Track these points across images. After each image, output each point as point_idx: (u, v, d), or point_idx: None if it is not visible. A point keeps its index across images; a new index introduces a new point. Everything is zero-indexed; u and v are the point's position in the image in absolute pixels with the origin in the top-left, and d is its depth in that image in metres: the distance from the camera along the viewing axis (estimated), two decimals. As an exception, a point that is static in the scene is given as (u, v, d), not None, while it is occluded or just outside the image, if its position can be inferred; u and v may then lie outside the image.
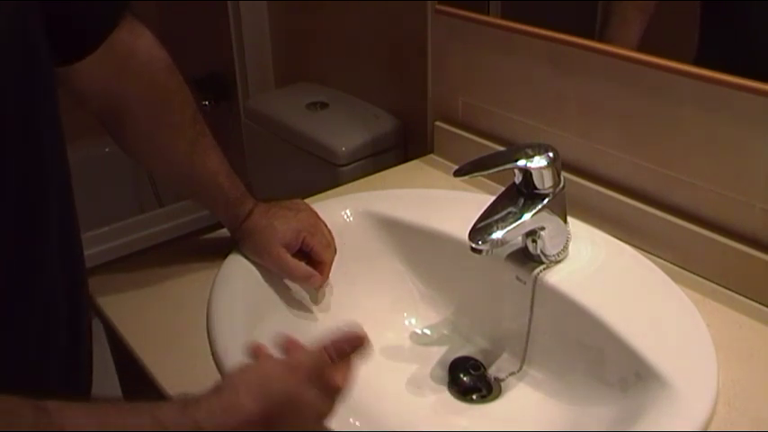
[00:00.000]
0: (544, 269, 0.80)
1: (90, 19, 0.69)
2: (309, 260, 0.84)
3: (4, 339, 0.60)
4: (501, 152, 0.79)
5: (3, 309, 0.59)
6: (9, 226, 0.57)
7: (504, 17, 0.98)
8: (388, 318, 0.90)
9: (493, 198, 0.77)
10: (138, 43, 0.74)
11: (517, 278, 0.82)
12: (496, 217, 0.74)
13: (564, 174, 0.78)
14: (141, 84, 0.75)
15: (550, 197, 0.76)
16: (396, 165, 1.14)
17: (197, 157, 0.80)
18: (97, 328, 0.81)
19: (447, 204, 0.96)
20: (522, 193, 0.76)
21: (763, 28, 0.77)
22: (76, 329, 0.69)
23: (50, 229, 0.63)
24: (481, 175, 0.78)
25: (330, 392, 0.58)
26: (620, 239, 0.88)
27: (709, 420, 0.65)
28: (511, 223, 0.73)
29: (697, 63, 0.78)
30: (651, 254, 0.87)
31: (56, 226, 0.63)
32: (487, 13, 1.00)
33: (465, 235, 0.73)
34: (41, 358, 0.65)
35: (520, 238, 0.80)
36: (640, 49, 0.83)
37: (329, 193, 1.04)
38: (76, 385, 0.72)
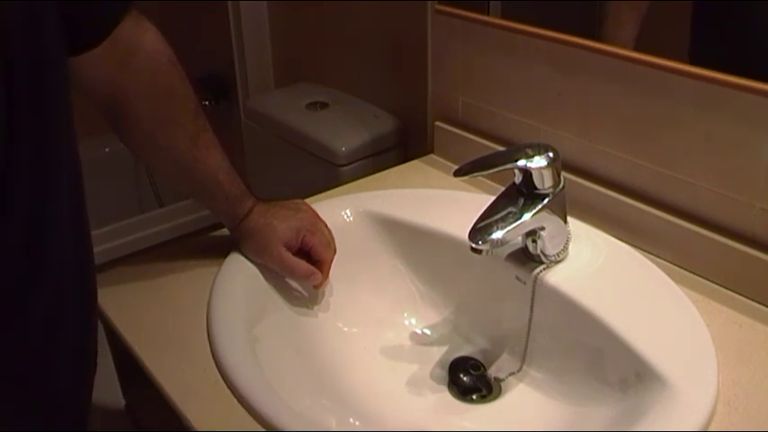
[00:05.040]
0: (544, 269, 0.80)
1: (96, 12, 0.70)
2: (309, 259, 0.84)
3: (11, 332, 0.61)
4: (501, 152, 0.79)
5: (11, 301, 0.60)
6: (19, 221, 0.58)
7: (504, 17, 0.98)
8: (388, 318, 0.90)
9: (493, 198, 0.77)
10: (143, 38, 0.75)
11: (517, 278, 0.81)
12: (496, 217, 0.74)
13: (564, 174, 0.78)
14: (145, 77, 0.76)
15: (550, 197, 0.76)
16: (396, 165, 1.14)
17: (198, 152, 0.80)
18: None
19: (447, 204, 0.96)
20: (522, 193, 0.76)
21: (756, 26, 0.77)
22: (85, 324, 0.70)
23: (61, 223, 0.63)
24: (481, 175, 0.78)
25: None
26: (620, 239, 0.88)
27: (709, 420, 0.65)
28: (511, 223, 0.73)
29: (690, 62, 0.78)
30: (651, 254, 0.87)
31: (67, 221, 0.64)
32: (487, 13, 1.00)
33: (465, 235, 0.73)
34: (48, 351, 0.66)
35: (520, 238, 0.80)
36: (637, 48, 0.84)
37: (329, 193, 1.04)
38: (81, 379, 0.72)
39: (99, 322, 0.84)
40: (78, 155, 0.66)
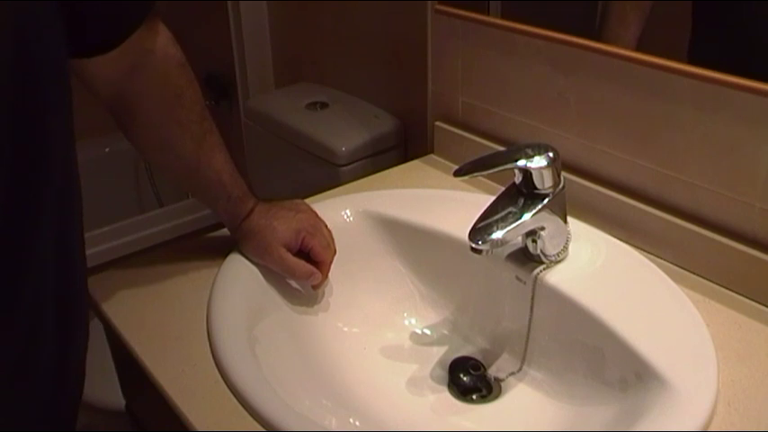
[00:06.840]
0: (544, 269, 0.80)
1: (115, 17, 0.69)
2: (309, 260, 0.84)
3: None
4: (501, 152, 0.79)
5: None
6: None
7: (504, 17, 0.98)
8: (388, 318, 0.90)
9: (493, 198, 0.77)
10: (155, 41, 0.75)
11: (517, 278, 0.82)
12: (496, 217, 0.74)
13: (564, 174, 0.78)
14: (155, 80, 0.76)
15: (550, 197, 0.76)
16: (396, 165, 1.14)
17: (203, 154, 0.80)
18: (97, 328, 0.81)
19: (447, 204, 0.96)
20: (522, 193, 0.76)
21: (756, 26, 0.77)
22: (67, 345, 0.69)
23: (43, 231, 0.62)
24: (481, 175, 0.78)
25: None
26: (620, 239, 0.88)
27: (710, 420, 0.65)
28: (511, 223, 0.74)
29: (690, 61, 0.78)
30: (651, 254, 0.87)
31: (51, 228, 0.63)
32: (487, 13, 1.00)
33: (465, 235, 0.73)
34: (28, 358, 0.64)
35: (520, 238, 0.80)
36: (638, 48, 0.84)
37: (329, 193, 1.04)
38: (66, 386, 0.71)
39: (101, 326, 0.84)
40: (74, 162, 0.65)
